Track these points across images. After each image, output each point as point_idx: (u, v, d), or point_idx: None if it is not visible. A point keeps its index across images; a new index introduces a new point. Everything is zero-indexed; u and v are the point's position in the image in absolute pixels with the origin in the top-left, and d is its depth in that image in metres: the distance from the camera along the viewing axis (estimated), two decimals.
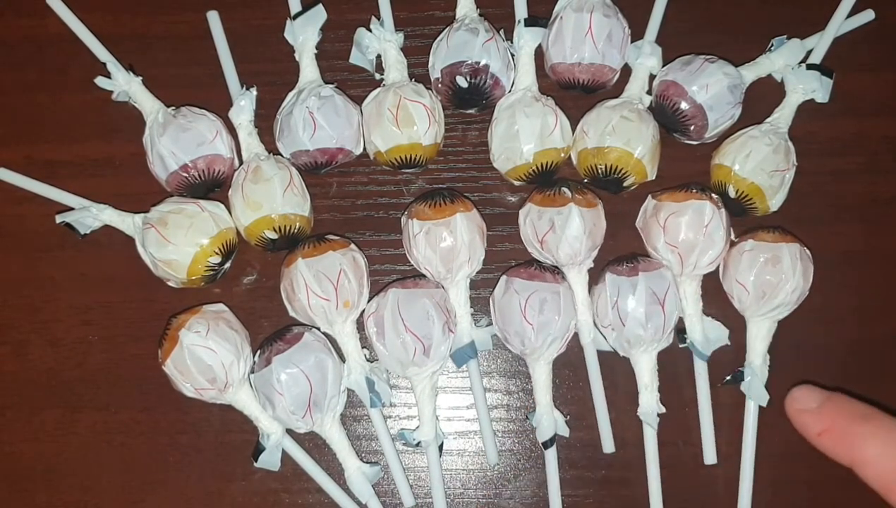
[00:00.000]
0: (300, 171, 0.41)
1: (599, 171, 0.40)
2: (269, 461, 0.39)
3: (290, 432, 0.40)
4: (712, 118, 0.40)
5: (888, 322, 0.41)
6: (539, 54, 0.43)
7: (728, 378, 0.40)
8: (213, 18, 0.44)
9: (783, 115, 0.41)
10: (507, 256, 0.42)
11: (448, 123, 0.43)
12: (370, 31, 0.42)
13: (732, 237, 0.40)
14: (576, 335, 0.40)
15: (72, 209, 0.41)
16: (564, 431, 0.40)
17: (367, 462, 0.40)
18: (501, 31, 0.42)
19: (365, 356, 0.40)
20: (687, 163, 0.42)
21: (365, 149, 0.42)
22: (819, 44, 0.42)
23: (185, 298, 0.41)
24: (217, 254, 0.40)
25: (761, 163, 0.39)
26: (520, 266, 0.41)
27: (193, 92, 0.43)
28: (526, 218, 0.41)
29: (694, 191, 0.39)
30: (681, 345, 0.40)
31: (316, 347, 0.39)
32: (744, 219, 0.41)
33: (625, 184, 0.41)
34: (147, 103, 0.42)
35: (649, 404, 0.39)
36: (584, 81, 0.41)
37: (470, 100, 0.42)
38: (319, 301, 0.38)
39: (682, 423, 0.40)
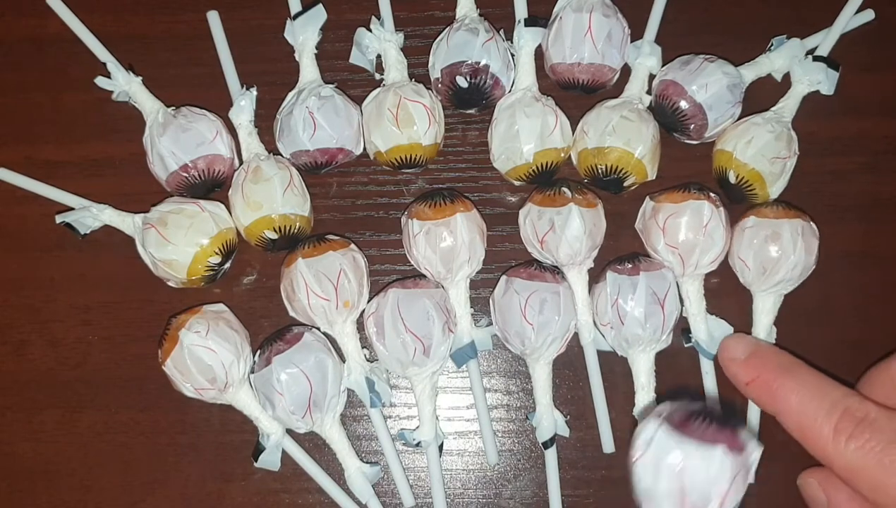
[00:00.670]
0: (300, 171, 0.41)
1: (600, 171, 0.40)
2: (269, 461, 0.39)
3: (290, 432, 0.40)
4: (712, 117, 0.40)
5: (888, 322, 0.41)
6: (539, 54, 0.43)
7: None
8: (213, 18, 0.44)
9: (788, 105, 0.41)
10: (507, 256, 0.42)
11: (448, 123, 0.43)
12: (370, 31, 0.42)
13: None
14: (576, 335, 0.40)
15: (72, 209, 0.41)
16: (564, 431, 0.40)
17: (367, 463, 0.40)
18: (501, 31, 0.42)
19: (365, 356, 0.40)
20: (687, 163, 0.42)
21: (365, 149, 0.42)
22: (825, 40, 0.42)
23: (185, 298, 0.41)
24: (217, 254, 0.40)
25: (762, 149, 0.39)
26: (520, 266, 0.41)
27: (193, 92, 0.43)
28: (526, 218, 0.40)
29: (692, 190, 0.39)
30: (686, 345, 0.40)
31: (316, 347, 0.39)
32: (744, 205, 0.41)
33: (625, 185, 0.41)
34: (147, 103, 0.42)
35: (645, 404, 0.39)
36: (584, 81, 0.41)
37: (470, 101, 0.42)
38: (319, 301, 0.38)
39: None
